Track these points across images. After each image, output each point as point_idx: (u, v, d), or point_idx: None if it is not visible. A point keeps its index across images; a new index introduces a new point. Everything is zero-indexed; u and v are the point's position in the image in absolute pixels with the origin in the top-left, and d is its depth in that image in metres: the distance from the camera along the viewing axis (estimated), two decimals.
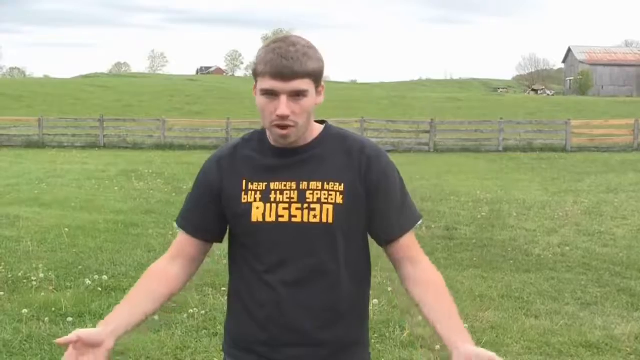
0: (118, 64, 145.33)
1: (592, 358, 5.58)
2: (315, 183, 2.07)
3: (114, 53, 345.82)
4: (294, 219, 2.06)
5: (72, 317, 5.97)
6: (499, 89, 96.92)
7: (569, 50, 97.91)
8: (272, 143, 2.13)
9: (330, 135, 2.15)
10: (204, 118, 34.56)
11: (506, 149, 27.73)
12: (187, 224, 2.22)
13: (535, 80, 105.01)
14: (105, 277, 7.22)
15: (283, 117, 2.02)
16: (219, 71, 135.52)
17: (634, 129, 28.30)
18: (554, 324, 6.37)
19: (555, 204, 13.26)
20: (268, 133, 2.13)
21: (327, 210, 2.05)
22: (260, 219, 2.07)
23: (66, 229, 9.83)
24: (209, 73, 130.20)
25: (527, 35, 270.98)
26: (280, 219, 2.06)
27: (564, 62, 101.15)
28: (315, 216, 2.05)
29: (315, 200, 2.06)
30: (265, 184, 2.09)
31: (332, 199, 2.06)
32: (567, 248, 9.48)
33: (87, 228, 10.29)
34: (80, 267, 7.75)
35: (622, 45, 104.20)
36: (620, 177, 17.91)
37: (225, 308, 2.29)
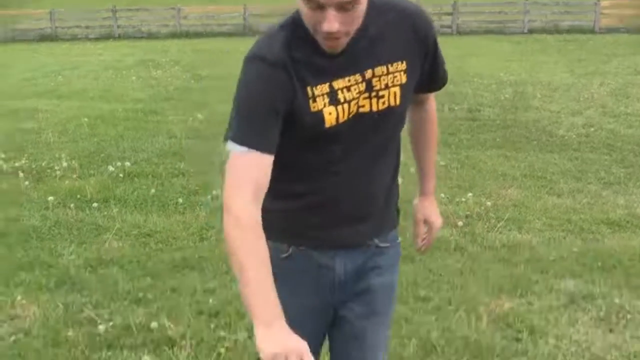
0: None
1: (612, 235, 5.60)
2: (380, 68, 1.89)
3: None
4: (361, 109, 1.89)
5: (97, 202, 6.05)
6: None
7: None
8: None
9: (376, 8, 1.87)
10: (220, 4, 33.95)
11: (531, 31, 27.09)
12: (260, 140, 1.80)
13: None
14: (127, 164, 7.28)
15: (330, 34, 1.75)
16: None
17: None
18: (576, 202, 6.37)
19: (581, 86, 13.05)
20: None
21: (395, 93, 1.91)
22: (334, 123, 1.86)
23: (86, 119, 9.86)
24: None
25: None
26: (351, 115, 1.89)
27: None
28: (384, 102, 1.91)
29: (382, 86, 1.89)
30: (327, 85, 1.86)
31: (397, 80, 1.91)
32: (592, 129, 9.39)
33: (107, 117, 10.31)
34: (102, 155, 7.81)
35: None
36: None
37: None
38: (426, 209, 2.28)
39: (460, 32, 27.36)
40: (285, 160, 1.89)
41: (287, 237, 1.98)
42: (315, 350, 2.04)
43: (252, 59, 1.85)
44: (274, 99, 1.81)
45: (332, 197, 1.95)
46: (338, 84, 1.86)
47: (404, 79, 1.92)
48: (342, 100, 1.86)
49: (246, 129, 1.80)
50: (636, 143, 8.62)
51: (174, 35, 27.61)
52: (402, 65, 1.92)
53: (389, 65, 1.90)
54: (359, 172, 1.94)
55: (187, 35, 27.59)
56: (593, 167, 7.59)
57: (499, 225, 5.66)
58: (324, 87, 1.85)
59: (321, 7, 1.70)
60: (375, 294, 2.05)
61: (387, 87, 1.90)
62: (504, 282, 4.60)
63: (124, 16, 29.46)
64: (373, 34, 1.87)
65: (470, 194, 6.36)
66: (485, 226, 5.68)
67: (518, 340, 3.81)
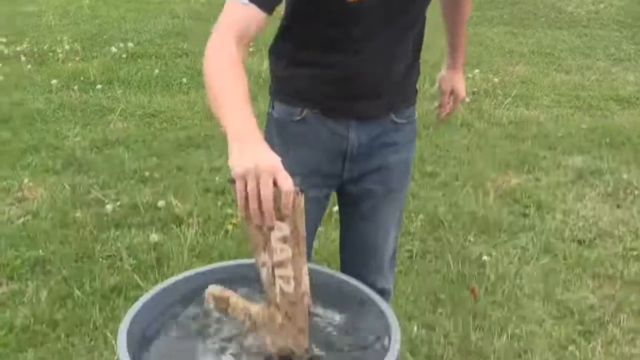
0: None
1: (622, 111, 5.57)
2: None
3: None
4: None
5: (100, 84, 5.99)
6: None
7: None
8: None
9: None
10: None
11: None
12: None
13: None
14: (130, 45, 7.18)
15: None
16: None
17: None
18: (584, 79, 6.32)
19: None
20: None
21: None
22: None
23: (87, 1, 9.65)
24: None
25: None
26: None
27: None
28: None
29: None
30: None
31: None
32: (602, 5, 9.21)
33: None
34: (104, 37, 7.68)
35: None
36: None
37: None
38: (454, 80, 2.26)
39: None
40: (306, 35, 1.85)
41: (301, 100, 1.91)
42: (315, 220, 2.01)
43: None
44: None
45: (351, 73, 1.86)
46: None
47: None
48: None
49: None
50: None
51: None
52: None
53: None
54: (382, 52, 1.86)
55: None
56: (602, 43, 7.48)
57: (506, 102, 5.62)
58: None
59: None
60: (391, 171, 2.00)
61: None
62: (511, 158, 4.60)
63: None
64: None
65: (477, 71, 6.29)
66: (493, 102, 5.64)
67: (525, 215, 3.83)
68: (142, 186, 4.12)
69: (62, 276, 3.14)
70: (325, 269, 1.70)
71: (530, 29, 7.99)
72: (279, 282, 1.40)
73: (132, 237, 3.52)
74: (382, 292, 1.84)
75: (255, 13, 1.66)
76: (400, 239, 3.51)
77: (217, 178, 4.21)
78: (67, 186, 4.11)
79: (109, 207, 3.79)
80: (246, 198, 1.30)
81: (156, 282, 2.99)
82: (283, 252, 1.36)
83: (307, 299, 1.41)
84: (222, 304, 1.48)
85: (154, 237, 3.46)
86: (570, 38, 7.67)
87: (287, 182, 1.30)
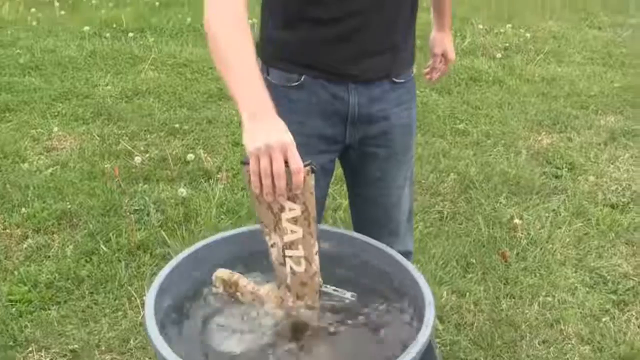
0: None
1: None
2: None
3: None
4: None
5: (133, 32, 5.97)
6: None
7: None
8: None
9: None
10: None
11: None
12: None
13: None
14: None
15: None
16: None
17: None
18: (617, 36, 6.23)
19: None
20: None
21: None
22: None
23: None
24: None
25: None
26: None
27: None
28: None
29: None
30: None
31: None
32: None
33: None
34: None
35: None
36: None
37: None
38: (444, 42, 2.26)
39: None
40: None
41: (298, 65, 1.84)
42: (323, 188, 1.97)
43: None
44: None
45: (349, 28, 1.81)
46: None
47: None
48: None
49: None
50: None
51: None
52: None
53: None
54: (380, 3, 1.81)
55: None
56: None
57: (538, 58, 5.54)
58: None
59: None
60: (392, 134, 1.96)
61: None
62: (543, 117, 4.55)
63: None
64: None
65: (509, 25, 6.20)
66: (524, 58, 5.57)
67: (557, 177, 3.78)
68: (171, 138, 4.11)
69: (89, 230, 3.12)
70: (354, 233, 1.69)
71: None
72: (289, 262, 1.42)
73: (160, 191, 3.49)
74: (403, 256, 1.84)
75: None
76: (430, 200, 3.51)
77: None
78: (96, 136, 4.12)
79: (137, 159, 3.76)
80: (259, 176, 1.32)
81: (183, 240, 3.00)
82: (294, 232, 1.38)
83: (317, 279, 1.43)
84: (231, 288, 1.48)
85: (182, 191, 3.40)
86: None
87: (297, 161, 1.31)
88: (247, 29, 1.56)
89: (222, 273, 1.49)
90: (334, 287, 1.46)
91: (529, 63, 5.47)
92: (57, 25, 6.28)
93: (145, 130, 4.22)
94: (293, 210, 1.34)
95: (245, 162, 1.34)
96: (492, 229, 3.21)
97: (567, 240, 3.15)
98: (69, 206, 3.31)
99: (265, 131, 1.36)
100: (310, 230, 1.36)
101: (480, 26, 6.12)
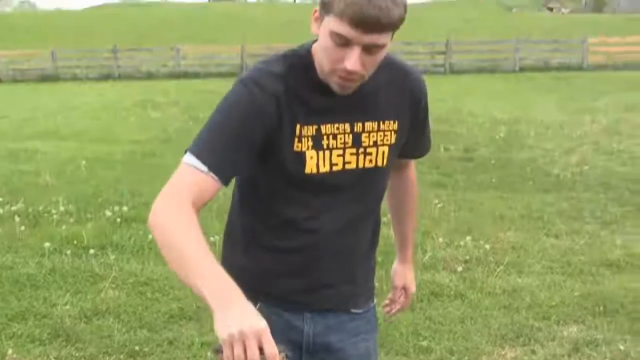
0: None
1: (612, 276, 5.57)
2: (370, 124, 1.84)
3: None
4: (347, 166, 1.83)
5: (94, 249, 6.01)
6: (513, 8, 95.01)
7: None
8: (321, 77, 1.79)
9: (378, 64, 1.81)
10: (218, 45, 34.17)
11: (522, 69, 27.36)
12: (221, 165, 1.71)
13: None
14: (125, 208, 7.24)
15: (351, 72, 1.69)
16: None
17: None
18: (574, 244, 6.36)
19: (573, 124, 13.12)
20: (317, 64, 1.78)
21: (383, 152, 1.86)
22: (315, 170, 1.80)
23: (84, 162, 9.84)
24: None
25: None
26: (334, 167, 1.82)
27: None
28: (371, 160, 1.85)
29: (371, 143, 1.85)
30: (315, 127, 1.79)
31: (387, 140, 1.86)
32: (586, 167, 9.42)
33: (105, 160, 10.31)
34: (99, 199, 7.77)
35: None
36: (638, 94, 17.62)
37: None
38: (406, 276, 2.30)
39: (453, 71, 27.65)
40: (263, 211, 1.85)
41: (254, 292, 1.78)
42: None
43: (246, 82, 1.77)
44: (255, 128, 1.74)
45: (307, 259, 1.87)
46: (326, 128, 1.80)
47: (393, 140, 1.88)
48: (325, 146, 1.80)
49: (210, 149, 1.71)
50: (630, 180, 8.65)
51: (172, 76, 27.79)
52: (393, 125, 1.88)
53: (381, 123, 1.86)
54: (338, 234, 1.88)
55: (186, 75, 27.77)
56: (589, 206, 7.60)
57: (498, 270, 5.63)
58: (311, 129, 1.79)
59: (348, 44, 1.65)
60: None
61: (375, 144, 1.86)
62: (506, 330, 4.56)
63: (124, 56, 29.71)
64: (369, 89, 1.82)
65: (468, 237, 6.34)
66: (485, 271, 5.65)
67: None
68: None
69: None
70: None
71: (519, 193, 8.13)
72: None
73: None
74: None
75: (212, 183, 1.69)
76: None
77: (208, 354, 4.13)
78: (53, 359, 4.03)
79: None
80: None
81: None
82: None
83: None
84: None
85: None
86: (558, 201, 7.79)
87: (272, 347, 1.33)
88: (198, 226, 1.59)
89: None
90: None
91: (489, 275, 5.55)
92: (17, 241, 6.31)
93: (104, 353, 4.16)
94: None
95: (218, 350, 1.34)
96: None
97: None
98: None
99: (238, 317, 1.37)
100: None
101: (441, 239, 6.26)
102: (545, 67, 27.30)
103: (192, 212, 1.62)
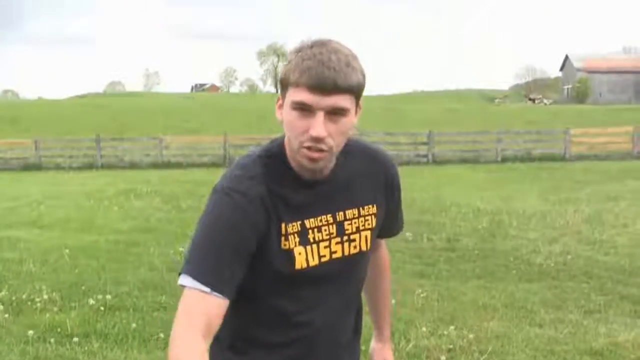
0: (112, 83, 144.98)
1: None
2: (351, 211, 1.89)
3: (108, 72, 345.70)
4: (334, 255, 1.87)
5: (77, 337, 5.98)
6: (495, 99, 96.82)
7: (566, 58, 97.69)
8: (296, 170, 1.83)
9: (350, 151, 1.89)
10: (201, 135, 34.54)
11: (505, 159, 27.77)
12: (224, 284, 1.72)
13: (532, 89, 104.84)
14: (108, 297, 7.21)
15: (318, 139, 1.71)
16: (214, 88, 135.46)
17: (632, 137, 28.37)
18: (558, 333, 6.37)
19: (556, 213, 13.26)
20: (290, 156, 1.83)
21: (366, 236, 1.92)
22: (304, 265, 1.83)
23: (67, 250, 9.83)
24: (203, 90, 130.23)
25: (524, 44, 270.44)
26: (323, 259, 1.85)
27: (561, 70, 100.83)
28: (355, 247, 1.90)
29: (354, 229, 1.90)
30: (299, 223, 1.82)
31: (368, 224, 1.92)
32: (569, 257, 9.49)
33: (88, 248, 10.29)
34: (83, 288, 7.74)
35: (620, 52, 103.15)
36: (620, 185, 17.91)
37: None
38: (384, 354, 2.33)
39: (436, 161, 27.98)
40: (252, 307, 1.86)
41: None
42: None
43: (227, 191, 1.78)
44: (245, 237, 1.74)
45: (300, 352, 1.90)
46: (310, 223, 1.84)
47: (373, 223, 1.94)
48: (311, 240, 1.83)
49: (208, 268, 1.71)
50: (613, 270, 8.71)
51: (155, 165, 27.98)
52: (372, 209, 1.93)
53: (361, 208, 1.91)
54: (328, 325, 1.91)
55: (169, 165, 27.96)
56: (573, 295, 7.63)
57: (482, 359, 5.63)
58: (296, 226, 1.82)
59: (310, 111, 1.69)
60: None
61: (358, 230, 1.91)
62: None
63: (108, 146, 29.94)
64: (345, 177, 1.88)
65: (452, 327, 6.34)
66: None
67: None
68: None
69: None
70: None
71: (503, 282, 8.17)
72: None
73: None
74: None
75: (217, 302, 1.70)
76: None
77: None
78: None
79: None
80: None
81: None
82: None
83: None
84: None
85: None
86: (542, 290, 7.83)
87: None
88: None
89: None
90: None
91: None
92: (1, 329, 6.28)
93: None
94: None
95: None
96: None
97: None
98: None
99: None
100: None
101: (424, 329, 6.26)
102: (528, 158, 27.73)
103: (204, 352, 1.67)
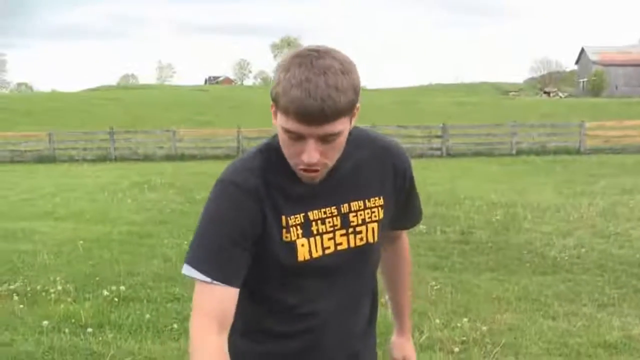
0: (126, 76, 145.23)
1: (610, 358, 5.56)
2: (356, 203, 1.87)
3: (121, 65, 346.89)
4: (339, 247, 1.86)
5: (91, 327, 6.01)
6: (510, 92, 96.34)
7: (582, 50, 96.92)
8: None
9: (356, 142, 1.86)
10: (214, 128, 34.59)
11: (519, 152, 27.68)
12: (223, 271, 1.73)
13: (547, 82, 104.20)
14: (122, 288, 7.26)
15: (310, 164, 1.72)
16: (227, 81, 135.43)
17: None
18: (571, 325, 6.35)
19: (570, 207, 13.20)
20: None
21: (372, 228, 1.89)
22: (308, 257, 1.82)
23: (81, 242, 9.89)
24: (217, 83, 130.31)
25: (539, 37, 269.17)
26: (327, 251, 1.84)
27: (576, 63, 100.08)
28: (361, 239, 1.88)
29: (359, 222, 1.88)
30: (302, 215, 1.82)
31: (375, 216, 1.89)
32: (583, 250, 9.45)
33: (102, 240, 10.34)
34: (97, 279, 7.79)
35: (636, 45, 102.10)
36: (635, 178, 17.80)
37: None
38: (404, 347, 2.30)
39: (450, 154, 27.92)
40: (260, 298, 1.87)
41: None
42: None
43: (225, 183, 1.81)
44: (243, 227, 1.76)
45: (310, 341, 1.89)
46: (313, 215, 1.83)
47: (381, 215, 1.91)
48: (315, 232, 1.83)
49: (209, 258, 1.74)
50: (627, 263, 8.67)
51: (169, 158, 28.07)
52: (379, 201, 1.91)
53: (366, 200, 1.89)
54: (338, 315, 1.90)
55: (182, 157, 28.04)
56: (586, 288, 7.59)
57: (495, 351, 5.62)
58: (299, 218, 1.81)
59: (302, 138, 1.68)
60: None
61: (364, 222, 1.89)
62: None
63: (121, 138, 30.04)
64: (350, 168, 1.86)
65: (465, 319, 6.34)
66: (482, 352, 5.64)
67: None
68: None
69: None
70: None
71: (516, 275, 8.14)
72: None
73: None
74: None
75: (226, 292, 1.72)
76: None
77: None
78: None
79: None
80: None
81: None
82: None
83: None
84: None
85: None
86: (555, 283, 7.80)
87: None
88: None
89: None
90: None
91: (486, 356, 5.55)
92: (16, 319, 6.32)
93: None
94: None
95: None
96: None
97: None
98: None
99: None
100: None
101: (437, 320, 6.25)
102: (542, 151, 27.60)
103: (221, 347, 1.70)
